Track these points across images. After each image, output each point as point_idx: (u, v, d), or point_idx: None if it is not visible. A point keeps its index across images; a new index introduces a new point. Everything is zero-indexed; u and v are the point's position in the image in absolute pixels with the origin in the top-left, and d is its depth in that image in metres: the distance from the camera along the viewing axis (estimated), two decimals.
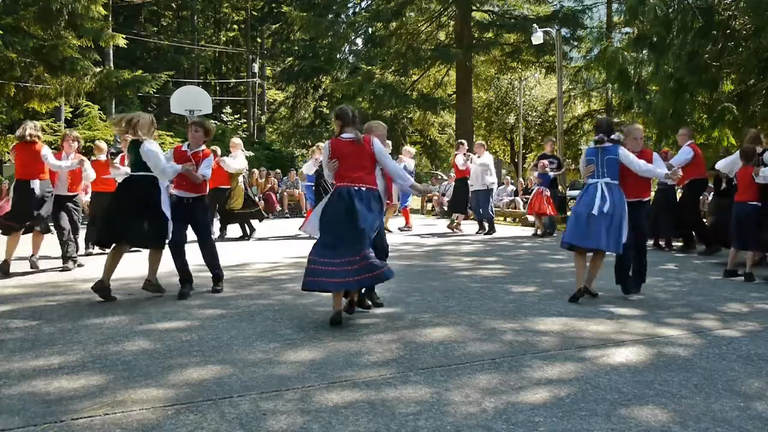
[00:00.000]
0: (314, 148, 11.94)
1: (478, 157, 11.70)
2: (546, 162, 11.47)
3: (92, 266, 7.29)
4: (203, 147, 5.86)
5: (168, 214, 5.49)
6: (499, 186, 19.79)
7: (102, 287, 5.30)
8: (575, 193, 28.75)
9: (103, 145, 8.92)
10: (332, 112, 4.98)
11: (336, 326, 4.42)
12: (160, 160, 5.40)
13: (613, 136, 5.45)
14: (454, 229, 11.91)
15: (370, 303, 5.09)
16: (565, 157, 16.80)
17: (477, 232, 11.85)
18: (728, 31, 10.70)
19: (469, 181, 11.67)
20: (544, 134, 29.40)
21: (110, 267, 5.38)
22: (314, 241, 4.75)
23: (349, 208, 4.51)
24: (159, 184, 5.50)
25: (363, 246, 4.47)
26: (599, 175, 5.41)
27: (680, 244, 9.15)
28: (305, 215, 13.63)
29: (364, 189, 4.61)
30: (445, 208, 17.03)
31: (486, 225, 11.88)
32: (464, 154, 11.61)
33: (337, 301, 4.53)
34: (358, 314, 4.85)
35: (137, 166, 5.48)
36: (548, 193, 11.23)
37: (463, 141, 12.32)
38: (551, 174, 11.48)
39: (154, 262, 5.62)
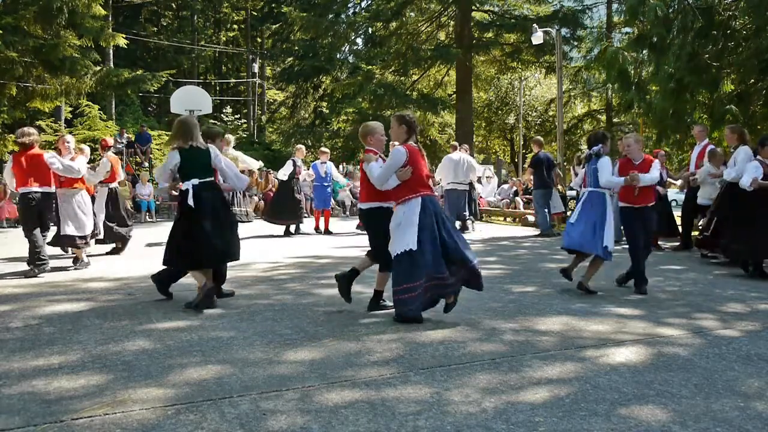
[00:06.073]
0: (297, 148, 11.95)
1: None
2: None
3: (93, 266, 7.29)
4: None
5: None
6: (499, 186, 19.85)
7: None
8: (575, 193, 28.87)
9: (86, 148, 8.80)
10: (393, 117, 4.83)
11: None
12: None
13: (593, 149, 5.90)
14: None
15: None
16: (564, 157, 16.79)
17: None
18: (728, 32, 10.70)
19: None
20: (543, 134, 29.39)
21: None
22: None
23: (445, 218, 4.60)
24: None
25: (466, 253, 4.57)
26: (588, 184, 5.94)
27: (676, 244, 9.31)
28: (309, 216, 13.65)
29: (435, 198, 4.73)
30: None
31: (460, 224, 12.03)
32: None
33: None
34: (357, 314, 4.84)
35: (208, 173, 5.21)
36: None
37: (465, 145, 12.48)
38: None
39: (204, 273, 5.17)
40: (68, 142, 7.39)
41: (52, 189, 7.02)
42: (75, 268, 7.15)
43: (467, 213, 12.06)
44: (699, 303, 5.36)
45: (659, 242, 9.31)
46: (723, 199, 7.53)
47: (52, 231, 7.34)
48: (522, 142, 32.57)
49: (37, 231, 6.85)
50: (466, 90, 23.11)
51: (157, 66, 30.37)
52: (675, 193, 13.61)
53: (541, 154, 11.46)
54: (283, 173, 11.40)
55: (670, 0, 10.61)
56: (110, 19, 22.44)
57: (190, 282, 5.96)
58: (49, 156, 6.87)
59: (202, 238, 4.98)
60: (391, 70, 23.16)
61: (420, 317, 4.52)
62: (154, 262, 5.54)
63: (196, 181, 5.06)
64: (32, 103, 16.93)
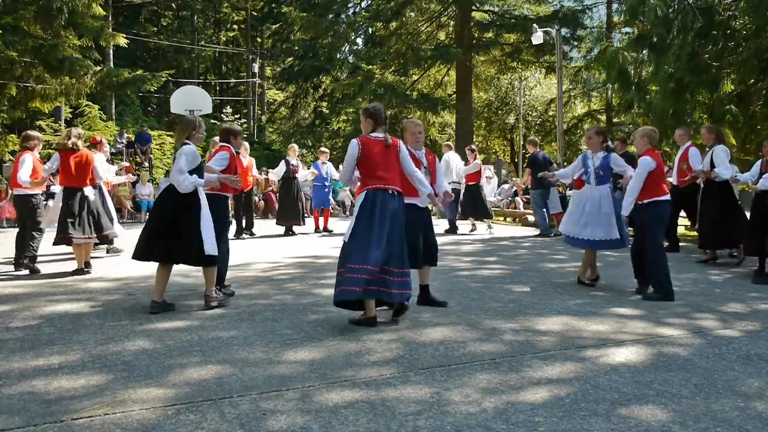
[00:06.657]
0: (290, 147, 11.91)
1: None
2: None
3: (93, 266, 7.28)
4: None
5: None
6: (499, 186, 19.86)
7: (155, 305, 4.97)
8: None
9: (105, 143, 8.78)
10: (362, 109, 4.80)
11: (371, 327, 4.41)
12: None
13: None
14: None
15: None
16: (564, 158, 16.82)
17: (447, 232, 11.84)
18: (728, 31, 10.68)
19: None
20: (543, 134, 29.42)
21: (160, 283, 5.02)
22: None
23: (387, 214, 4.39)
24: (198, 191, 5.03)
25: (406, 260, 4.50)
26: None
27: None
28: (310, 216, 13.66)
29: (396, 192, 4.53)
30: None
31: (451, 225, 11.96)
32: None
33: (369, 306, 4.45)
34: (357, 314, 4.83)
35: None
36: None
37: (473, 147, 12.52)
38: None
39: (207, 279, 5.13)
40: (73, 137, 7.21)
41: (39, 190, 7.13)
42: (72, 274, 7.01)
43: (460, 215, 12.05)
44: (699, 303, 5.36)
45: None
46: (706, 199, 7.76)
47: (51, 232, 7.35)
48: (522, 142, 32.58)
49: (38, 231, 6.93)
50: (466, 90, 23.11)
51: (157, 66, 30.38)
52: None
53: (537, 154, 11.41)
54: (276, 173, 11.45)
55: (670, 0, 10.60)
56: (110, 19, 22.45)
57: (188, 282, 5.97)
58: (23, 157, 6.91)
59: (144, 233, 5.06)
60: (391, 70, 23.17)
61: (351, 302, 4.40)
62: (153, 263, 5.52)
63: (165, 182, 5.12)
64: (32, 103, 16.94)
